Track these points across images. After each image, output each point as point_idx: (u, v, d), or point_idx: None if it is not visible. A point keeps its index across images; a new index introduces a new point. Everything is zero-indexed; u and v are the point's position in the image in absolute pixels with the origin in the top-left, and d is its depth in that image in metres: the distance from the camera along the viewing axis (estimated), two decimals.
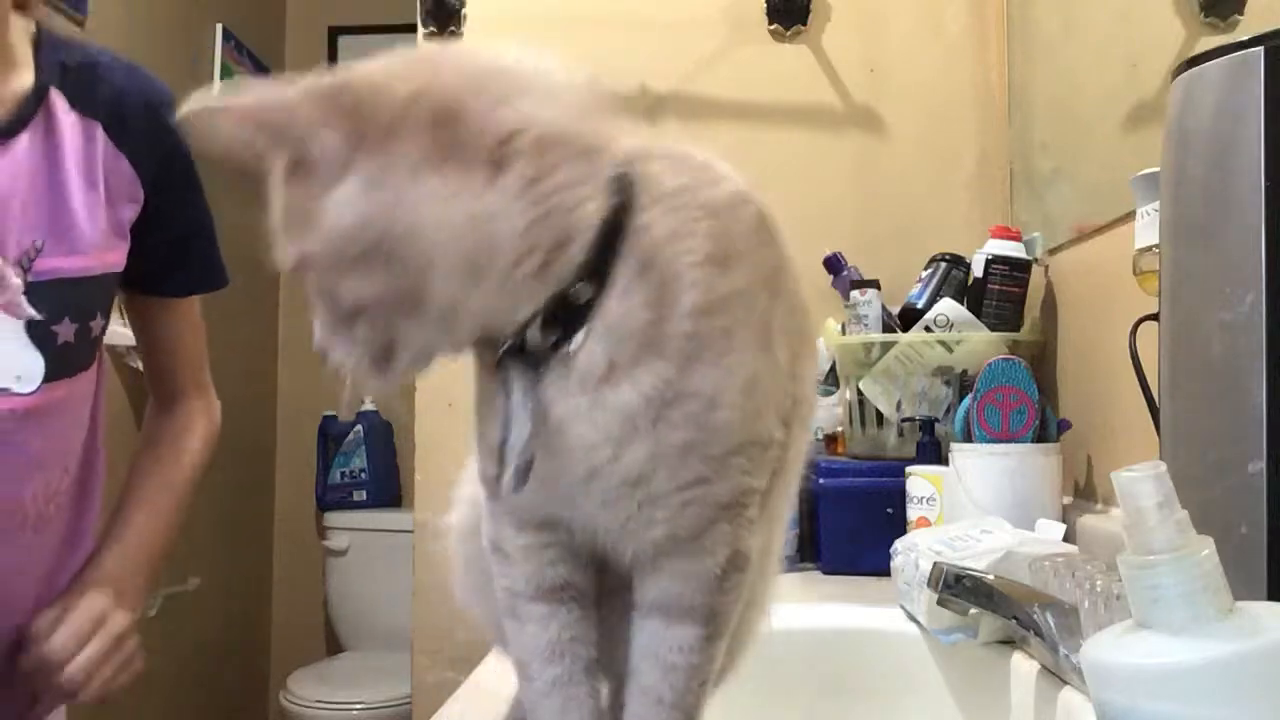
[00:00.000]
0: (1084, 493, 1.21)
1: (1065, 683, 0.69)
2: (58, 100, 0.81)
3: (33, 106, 0.79)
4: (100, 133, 0.82)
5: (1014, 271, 1.34)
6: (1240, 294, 0.58)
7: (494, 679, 0.83)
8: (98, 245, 0.82)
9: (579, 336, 0.47)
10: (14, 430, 0.76)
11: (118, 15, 1.98)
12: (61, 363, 0.79)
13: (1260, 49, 0.58)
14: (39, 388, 0.77)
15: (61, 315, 0.79)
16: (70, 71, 0.81)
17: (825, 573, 1.29)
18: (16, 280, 0.76)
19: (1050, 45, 1.43)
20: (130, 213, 0.86)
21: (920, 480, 1.18)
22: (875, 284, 1.40)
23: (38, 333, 0.78)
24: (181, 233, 0.93)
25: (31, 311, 0.77)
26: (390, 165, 0.44)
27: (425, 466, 1.62)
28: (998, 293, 1.33)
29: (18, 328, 0.77)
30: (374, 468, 2.92)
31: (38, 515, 0.81)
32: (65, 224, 0.79)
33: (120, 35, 2.05)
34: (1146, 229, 0.85)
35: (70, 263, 0.80)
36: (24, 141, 0.78)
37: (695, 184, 0.53)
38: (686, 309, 0.47)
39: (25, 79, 0.79)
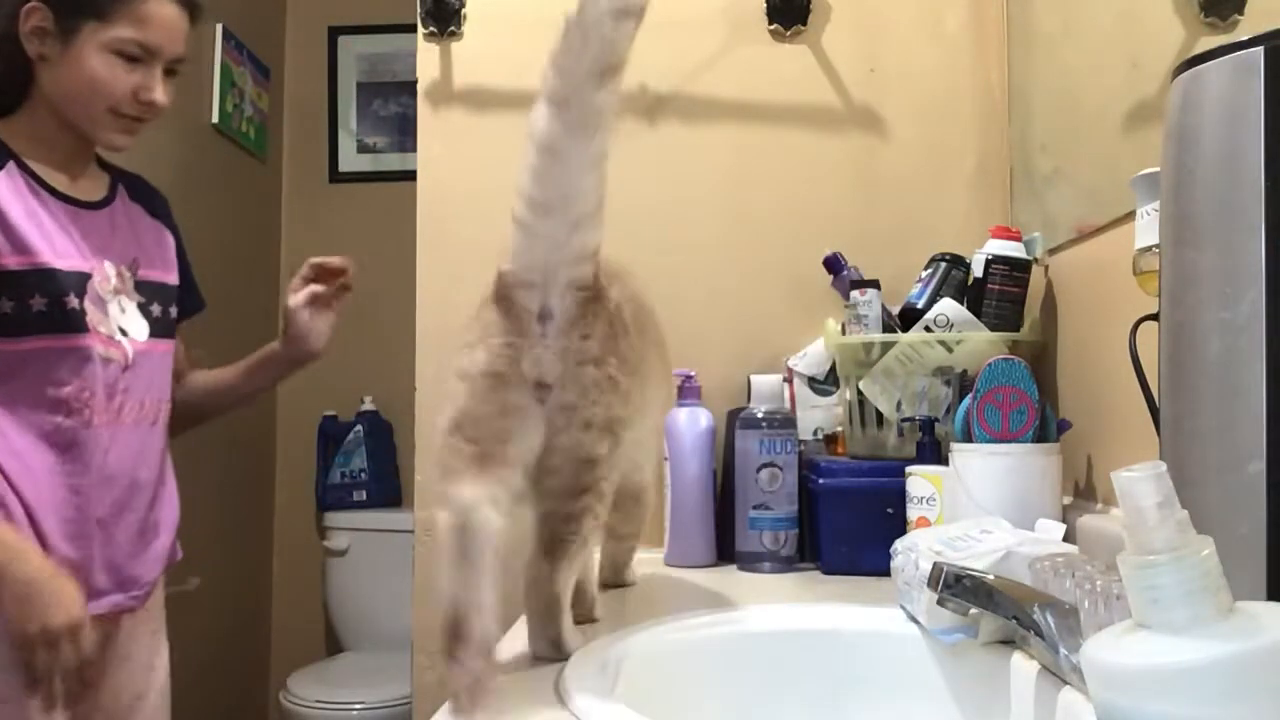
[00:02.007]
0: (1084, 493, 1.21)
1: (1065, 683, 0.69)
2: (122, 189, 1.36)
3: (114, 190, 1.35)
4: (143, 210, 1.38)
5: (1014, 271, 1.34)
6: (1240, 294, 0.58)
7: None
8: (162, 267, 1.38)
9: None
10: (140, 362, 1.29)
11: None
12: (156, 328, 1.33)
13: (1260, 49, 0.58)
14: (147, 340, 1.31)
15: (153, 301, 1.34)
16: (119, 174, 1.38)
17: (825, 573, 1.29)
18: (130, 277, 1.31)
19: (1050, 45, 1.43)
20: (173, 256, 1.41)
21: (920, 480, 1.18)
22: (875, 284, 1.40)
23: (142, 310, 1.32)
24: (186, 275, 1.45)
25: (139, 297, 1.32)
26: None
27: (425, 466, 1.62)
28: (998, 293, 1.33)
29: (133, 306, 1.31)
30: (374, 468, 2.92)
31: (155, 417, 1.33)
32: (145, 253, 1.35)
33: None
34: (1146, 229, 0.85)
35: (152, 274, 1.35)
36: (116, 207, 1.34)
37: None
38: None
39: (103, 176, 1.35)
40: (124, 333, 1.28)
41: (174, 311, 1.39)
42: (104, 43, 1.21)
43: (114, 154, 1.36)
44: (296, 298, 1.42)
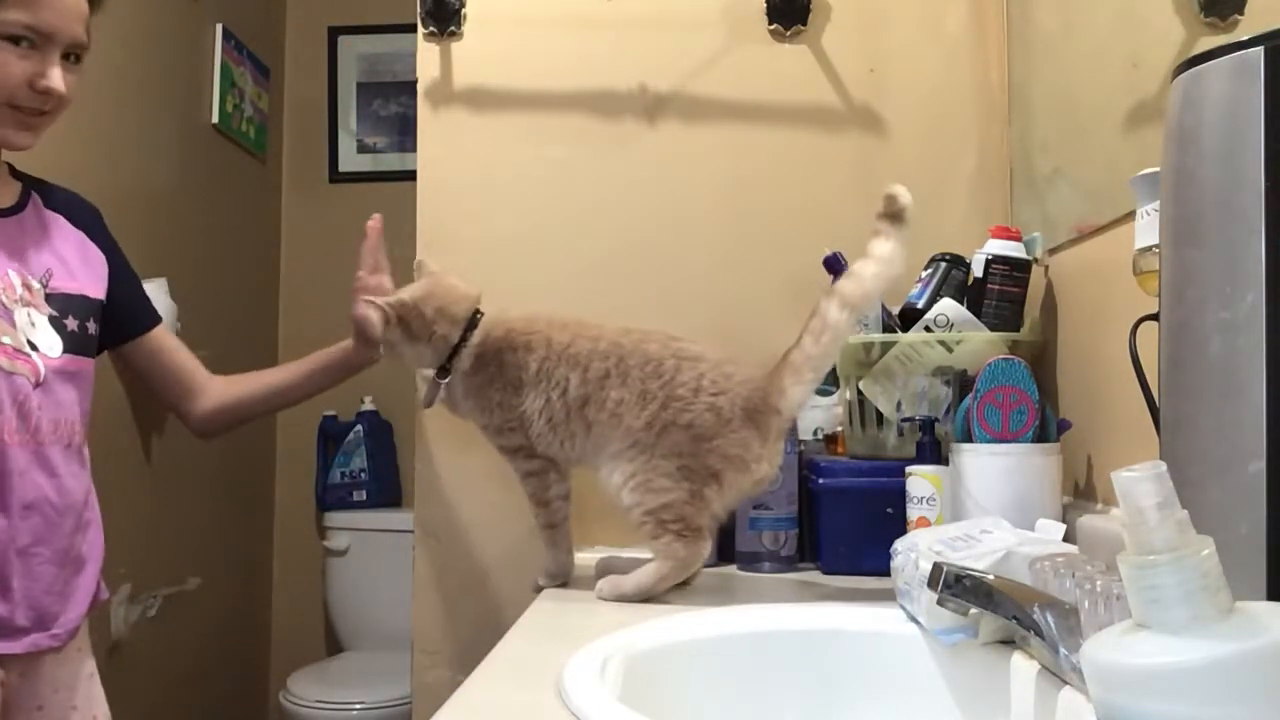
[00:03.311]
0: (1084, 493, 1.21)
1: (1065, 683, 0.69)
2: (36, 198, 1.29)
3: (25, 199, 1.27)
4: (64, 221, 1.30)
5: (1014, 271, 1.34)
6: (1240, 294, 0.58)
7: (490, 684, 0.83)
8: (83, 280, 1.29)
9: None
10: (52, 380, 1.21)
11: (118, 14, 1.98)
12: (71, 344, 1.24)
13: (1260, 49, 0.58)
14: (61, 355, 1.22)
15: (67, 314, 1.25)
16: (36, 184, 1.31)
17: (825, 573, 1.29)
18: (40, 288, 1.23)
19: (1050, 45, 1.43)
20: (101, 269, 1.33)
21: (920, 480, 1.18)
22: None
23: (55, 324, 1.23)
24: (132, 286, 1.40)
25: (50, 310, 1.23)
26: None
27: (425, 466, 1.62)
28: (998, 293, 1.33)
29: (44, 319, 1.22)
30: (374, 468, 2.92)
31: (70, 439, 1.24)
32: (61, 264, 1.26)
33: (120, 35, 2.05)
34: (1146, 229, 0.85)
35: (68, 285, 1.26)
36: (27, 215, 1.26)
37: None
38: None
39: (14, 185, 1.28)
40: (34, 347, 1.18)
41: (93, 327, 1.28)
42: None
43: (18, 156, 1.28)
44: (362, 305, 1.34)
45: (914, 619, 0.92)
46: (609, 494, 1.14)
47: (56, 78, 1.16)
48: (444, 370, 1.22)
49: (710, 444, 1.10)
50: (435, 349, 1.21)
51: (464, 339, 1.20)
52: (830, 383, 1.50)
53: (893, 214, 1.11)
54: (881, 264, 1.10)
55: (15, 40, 1.13)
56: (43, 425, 1.19)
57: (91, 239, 1.33)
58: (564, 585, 1.22)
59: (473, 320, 1.21)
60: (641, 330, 1.18)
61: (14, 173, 1.29)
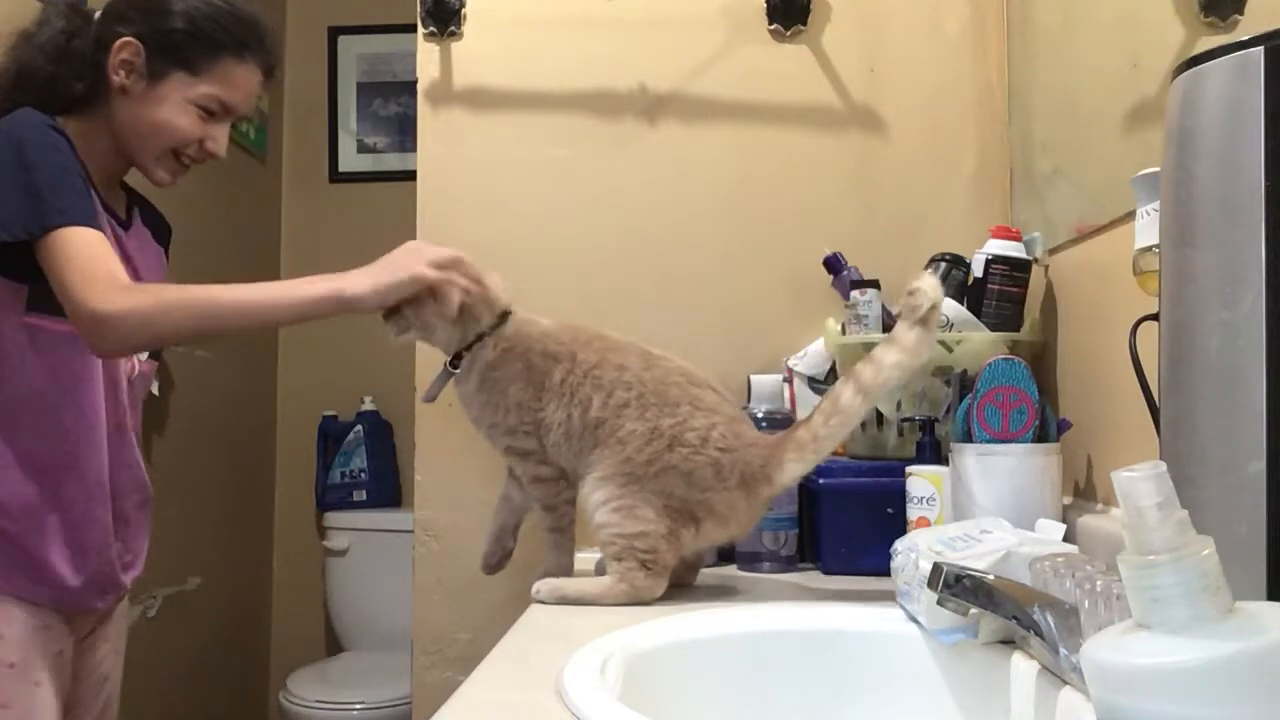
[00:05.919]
0: (1084, 493, 1.21)
1: (1065, 683, 0.69)
2: (136, 212, 1.38)
3: (131, 212, 1.37)
4: (150, 236, 1.39)
5: (1014, 271, 1.34)
6: (1240, 294, 0.58)
7: (490, 684, 0.83)
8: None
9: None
10: (137, 381, 1.34)
11: None
12: (152, 352, 1.37)
13: (1260, 49, 0.58)
14: (145, 359, 1.36)
15: None
16: (132, 195, 1.39)
17: (825, 573, 1.29)
18: None
19: (1050, 45, 1.43)
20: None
21: (920, 480, 1.18)
22: (875, 284, 1.40)
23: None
24: None
25: None
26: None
27: (425, 466, 1.62)
28: (998, 293, 1.33)
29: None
30: (374, 468, 2.92)
31: (137, 426, 1.35)
32: (151, 276, 1.34)
33: None
34: (1146, 229, 0.85)
35: None
36: (134, 229, 1.35)
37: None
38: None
39: (123, 196, 1.36)
40: None
41: None
42: (189, 96, 1.25)
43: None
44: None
45: (914, 619, 0.92)
46: (583, 505, 1.15)
47: (223, 145, 1.31)
48: (456, 360, 1.21)
49: (702, 495, 1.11)
50: (465, 329, 1.20)
51: (492, 328, 1.20)
52: (830, 383, 1.50)
53: (922, 315, 1.03)
54: (905, 354, 1.04)
55: (204, 109, 1.26)
56: (131, 411, 1.32)
57: (165, 257, 1.44)
58: None
59: (503, 316, 1.21)
60: (663, 366, 1.17)
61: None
